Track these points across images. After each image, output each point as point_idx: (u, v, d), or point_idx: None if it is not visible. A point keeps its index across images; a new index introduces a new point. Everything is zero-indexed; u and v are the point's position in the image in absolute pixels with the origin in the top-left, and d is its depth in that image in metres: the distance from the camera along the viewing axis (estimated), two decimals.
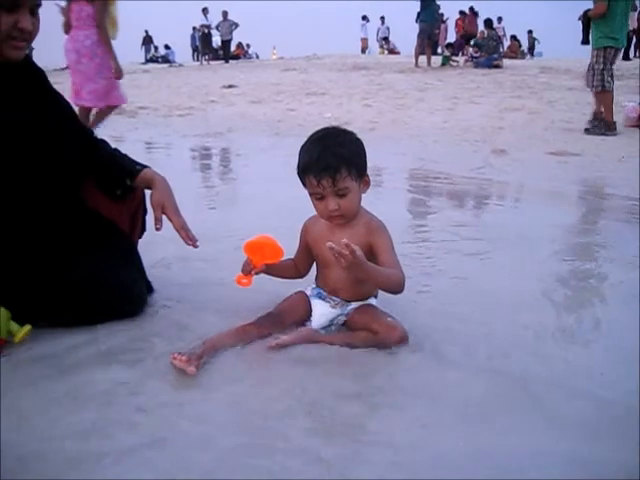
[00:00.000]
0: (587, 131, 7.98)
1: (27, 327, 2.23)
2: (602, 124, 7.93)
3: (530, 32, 30.22)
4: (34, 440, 1.72)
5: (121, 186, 2.63)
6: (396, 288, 2.25)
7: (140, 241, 2.84)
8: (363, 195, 2.36)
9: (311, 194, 2.29)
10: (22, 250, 2.36)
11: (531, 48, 29.83)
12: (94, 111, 6.68)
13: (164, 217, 2.54)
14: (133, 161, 2.67)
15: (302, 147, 2.32)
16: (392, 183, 5.97)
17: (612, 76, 7.86)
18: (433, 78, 13.81)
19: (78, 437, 1.74)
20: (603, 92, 7.87)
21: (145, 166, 2.65)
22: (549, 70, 14.38)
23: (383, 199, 4.91)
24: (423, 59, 17.13)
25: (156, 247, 3.00)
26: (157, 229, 2.54)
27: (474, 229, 4.18)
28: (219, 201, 5.00)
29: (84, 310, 2.41)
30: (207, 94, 13.71)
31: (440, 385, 2.03)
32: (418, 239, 3.83)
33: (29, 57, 2.49)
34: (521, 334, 2.43)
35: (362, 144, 2.33)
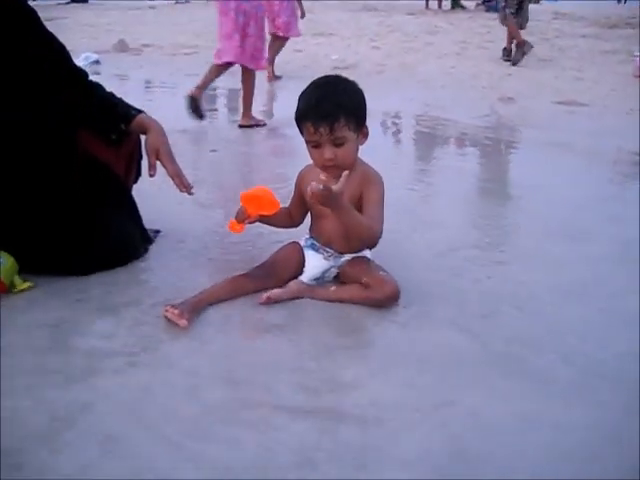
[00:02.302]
0: (513, 59, 8.94)
1: (28, 283, 2.29)
2: (519, 49, 8.92)
3: None
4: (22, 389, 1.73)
5: (116, 131, 2.59)
6: (368, 240, 2.25)
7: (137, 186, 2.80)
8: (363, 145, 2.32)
9: (307, 142, 2.24)
10: (16, 195, 2.33)
11: None
12: None
13: (158, 163, 2.51)
14: (128, 106, 2.62)
15: (302, 93, 2.27)
16: (397, 128, 5.90)
17: (513, 12, 8.97)
18: (444, 21, 13.51)
19: (63, 387, 1.74)
20: (508, 24, 9.08)
21: (140, 111, 2.61)
22: (563, 16, 14.04)
23: (385, 144, 4.86)
24: (434, 2, 16.80)
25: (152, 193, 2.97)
26: (151, 175, 2.51)
27: (473, 178, 4.14)
28: (219, 143, 4.93)
29: (76, 258, 2.40)
30: (213, 32, 13.43)
31: (428, 345, 2.01)
32: (415, 186, 3.79)
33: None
34: (516, 291, 2.41)
35: (363, 95, 2.28)
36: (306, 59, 9.62)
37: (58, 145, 2.42)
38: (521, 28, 9.11)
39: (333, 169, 2.22)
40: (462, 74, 8.45)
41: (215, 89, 7.91)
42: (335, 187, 2.00)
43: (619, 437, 1.61)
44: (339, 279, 2.37)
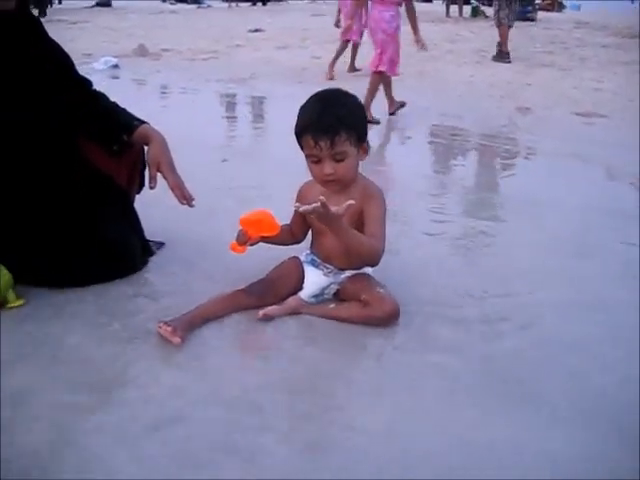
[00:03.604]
0: (494, 58, 9.85)
1: (21, 301, 2.25)
2: (501, 54, 9.81)
3: None
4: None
5: (118, 141, 2.57)
6: (369, 259, 2.21)
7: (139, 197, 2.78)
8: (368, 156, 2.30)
9: (307, 156, 2.21)
10: (12, 201, 2.32)
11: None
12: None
13: (160, 175, 2.49)
14: (131, 116, 2.61)
15: (302, 106, 2.24)
16: (411, 137, 5.85)
17: (508, 14, 9.72)
18: (464, 29, 13.46)
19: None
20: (500, 26, 9.79)
21: (143, 122, 2.58)
22: (585, 25, 13.96)
23: (397, 155, 4.82)
24: (455, 9, 16.74)
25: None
26: (151, 187, 2.49)
27: (484, 190, 4.09)
28: (231, 153, 4.90)
29: (74, 269, 2.37)
30: (232, 38, 13.49)
31: (423, 369, 1.96)
32: (423, 198, 3.75)
33: (25, 6, 2.42)
34: (519, 310, 2.35)
35: (364, 109, 2.25)
36: (324, 66, 9.59)
37: (58, 150, 2.41)
38: (509, 27, 9.84)
39: (333, 184, 2.19)
40: (480, 83, 8.39)
41: (234, 96, 7.92)
42: (334, 209, 1.95)
43: (617, 470, 1.56)
44: (339, 296, 2.33)
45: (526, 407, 1.79)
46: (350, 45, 9.36)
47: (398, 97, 6.54)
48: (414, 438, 1.64)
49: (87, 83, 2.62)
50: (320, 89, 2.28)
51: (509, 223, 3.44)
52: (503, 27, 9.80)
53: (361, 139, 2.20)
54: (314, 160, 2.18)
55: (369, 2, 6.48)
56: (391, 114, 6.53)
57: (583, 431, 1.69)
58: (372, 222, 2.21)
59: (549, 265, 2.80)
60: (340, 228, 2.05)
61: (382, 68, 6.15)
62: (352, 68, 9.50)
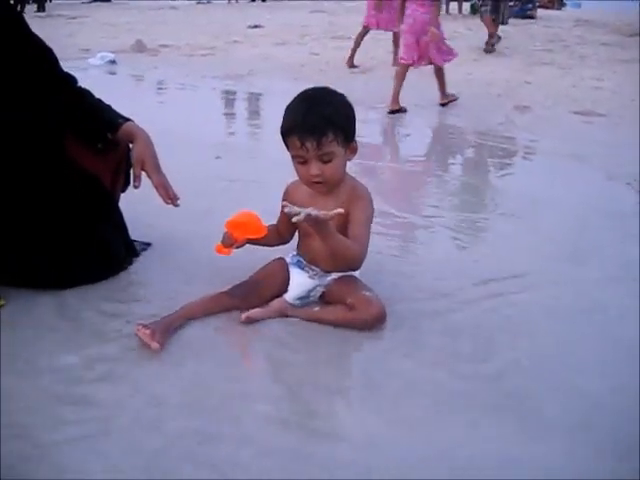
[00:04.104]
0: (485, 51, 10.07)
1: (1, 302, 2.21)
2: (489, 40, 10.13)
3: None
4: None
5: (102, 139, 2.51)
6: (350, 263, 2.14)
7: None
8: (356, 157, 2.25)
9: (293, 157, 2.14)
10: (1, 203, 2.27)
11: None
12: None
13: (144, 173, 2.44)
14: (116, 113, 2.55)
15: (288, 106, 2.17)
16: (409, 135, 5.79)
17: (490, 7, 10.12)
18: (463, 26, 13.34)
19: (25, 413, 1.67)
20: (483, 19, 10.30)
21: (127, 119, 2.53)
22: (585, 23, 13.85)
23: (391, 154, 4.76)
24: (454, 6, 16.65)
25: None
26: (135, 186, 2.44)
27: (477, 196, 4.03)
28: (225, 150, 4.84)
29: (54, 270, 2.32)
30: (231, 34, 13.41)
31: (410, 376, 1.90)
32: (415, 200, 3.68)
33: (3, 1, 2.35)
34: (513, 316, 2.29)
35: (352, 108, 2.19)
36: (322, 63, 9.53)
37: (41, 149, 2.36)
38: (503, 23, 10.45)
39: (320, 186, 2.13)
40: (479, 81, 8.31)
41: (231, 92, 7.87)
42: (323, 214, 1.87)
43: None
44: (325, 299, 2.27)
45: (517, 417, 1.73)
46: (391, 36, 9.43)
47: (388, 94, 6.51)
48: (398, 448, 1.59)
49: (71, 80, 2.55)
50: (314, 84, 2.23)
51: (504, 223, 3.38)
52: (485, 18, 10.29)
53: (349, 139, 2.14)
54: (300, 161, 2.12)
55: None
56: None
57: (577, 443, 1.63)
58: (356, 225, 2.15)
59: (544, 267, 2.74)
60: (328, 233, 1.98)
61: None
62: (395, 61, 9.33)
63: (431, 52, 6.61)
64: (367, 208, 2.19)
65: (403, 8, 6.75)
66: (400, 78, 6.66)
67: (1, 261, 2.23)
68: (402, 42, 6.95)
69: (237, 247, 2.29)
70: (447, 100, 6.94)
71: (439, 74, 6.87)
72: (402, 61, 6.78)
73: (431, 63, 6.75)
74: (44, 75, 2.40)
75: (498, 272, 2.67)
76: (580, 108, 6.86)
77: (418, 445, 1.60)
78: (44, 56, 2.43)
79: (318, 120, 2.05)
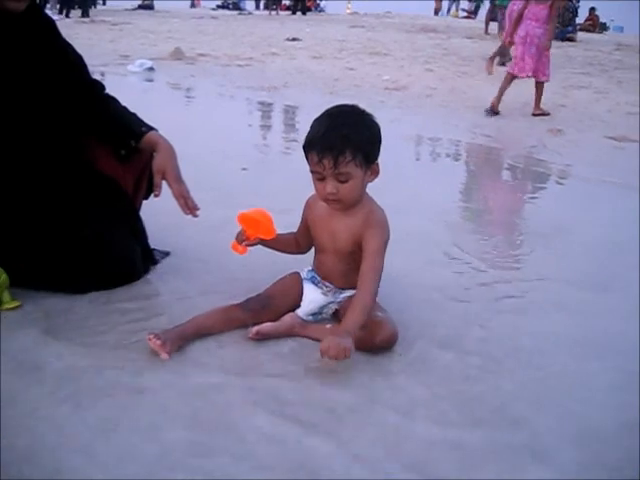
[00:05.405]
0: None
1: (17, 302, 2.23)
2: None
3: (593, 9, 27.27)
4: None
5: (125, 147, 2.54)
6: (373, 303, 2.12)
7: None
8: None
9: (312, 172, 2.14)
10: (19, 206, 2.30)
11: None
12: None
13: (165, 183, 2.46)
14: (141, 122, 2.57)
15: (314, 120, 2.15)
16: (440, 155, 5.77)
17: None
18: None
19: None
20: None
21: (152, 128, 2.55)
22: (626, 47, 13.74)
23: (413, 171, 4.73)
24: (494, 26, 16.60)
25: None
26: (155, 195, 2.46)
27: (507, 214, 4.00)
28: (253, 162, 4.86)
29: (70, 275, 2.34)
30: (269, 45, 13.53)
31: (413, 404, 1.85)
32: (435, 219, 3.66)
33: (38, 7, 2.41)
34: (525, 343, 2.26)
35: (378, 129, 2.14)
36: (357, 78, 9.56)
37: (57, 151, 2.40)
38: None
39: (335, 203, 2.13)
40: (514, 102, 8.26)
41: (264, 104, 7.91)
42: (340, 342, 1.86)
43: None
44: (338, 316, 2.26)
45: (514, 454, 1.68)
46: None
47: (426, 114, 6.49)
48: (399, 467, 1.57)
49: (98, 86, 2.60)
50: (350, 100, 2.21)
51: (526, 249, 3.35)
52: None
53: (370, 160, 2.11)
54: (318, 177, 2.11)
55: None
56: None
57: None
58: (370, 257, 2.11)
59: (563, 297, 2.68)
60: (355, 332, 1.95)
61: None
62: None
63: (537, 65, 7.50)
64: (382, 236, 2.15)
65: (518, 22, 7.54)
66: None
67: (15, 263, 2.25)
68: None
69: (249, 245, 2.30)
70: (540, 112, 7.72)
71: (539, 87, 7.74)
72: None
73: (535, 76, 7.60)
74: (72, 80, 2.44)
75: (515, 300, 2.63)
76: (614, 133, 6.80)
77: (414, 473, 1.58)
78: (73, 62, 2.48)
79: (337, 139, 2.03)
